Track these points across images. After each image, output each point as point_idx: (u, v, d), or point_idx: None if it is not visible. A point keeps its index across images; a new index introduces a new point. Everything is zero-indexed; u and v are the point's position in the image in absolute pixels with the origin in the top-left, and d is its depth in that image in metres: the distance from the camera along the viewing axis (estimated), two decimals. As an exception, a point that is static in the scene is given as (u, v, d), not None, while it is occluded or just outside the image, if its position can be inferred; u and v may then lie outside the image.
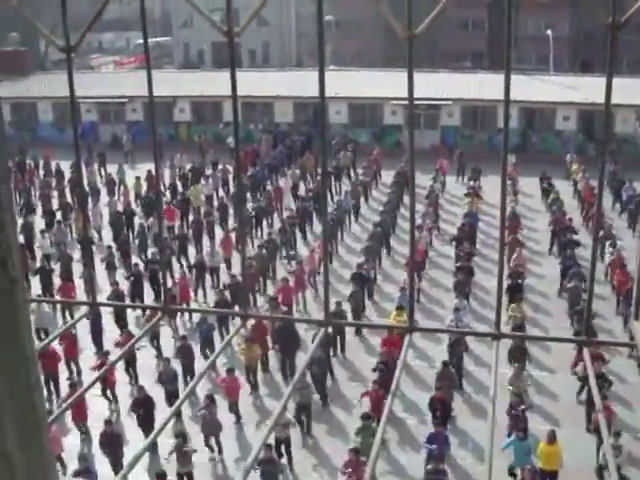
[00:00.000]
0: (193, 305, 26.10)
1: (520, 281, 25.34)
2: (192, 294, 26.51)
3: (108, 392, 21.08)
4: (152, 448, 19.07)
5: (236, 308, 24.73)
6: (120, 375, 21.69)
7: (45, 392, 21.05)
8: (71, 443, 19.38)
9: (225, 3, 3.32)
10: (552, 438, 16.60)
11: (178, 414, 20.07)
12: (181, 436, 17.42)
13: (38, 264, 28.39)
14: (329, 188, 37.20)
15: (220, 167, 39.21)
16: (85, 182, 38.47)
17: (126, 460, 17.68)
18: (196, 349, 22.02)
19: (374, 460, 3.31)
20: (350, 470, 15.95)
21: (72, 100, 3.52)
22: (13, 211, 1.60)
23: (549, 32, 59.73)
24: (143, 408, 18.70)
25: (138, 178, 36.51)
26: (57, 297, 25.67)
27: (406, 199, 36.93)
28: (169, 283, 27.03)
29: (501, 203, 3.37)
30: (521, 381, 19.44)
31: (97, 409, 20.26)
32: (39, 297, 26.22)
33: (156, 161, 3.45)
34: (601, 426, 16.92)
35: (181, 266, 29.12)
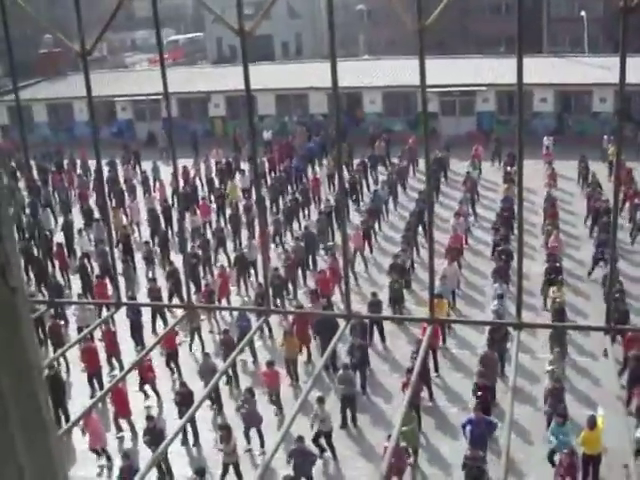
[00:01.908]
0: (235, 299, 26.17)
1: (558, 264, 25.15)
2: (232, 288, 26.50)
3: (147, 387, 21.29)
4: (195, 441, 19.35)
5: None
6: (162, 371, 21.92)
7: (89, 390, 21.32)
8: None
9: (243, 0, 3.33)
10: (592, 424, 16.56)
11: (220, 407, 20.34)
12: (225, 428, 17.51)
13: (77, 263, 28.75)
14: (365, 178, 37.27)
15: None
16: (122, 180, 38.86)
17: (169, 456, 17.89)
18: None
19: (392, 446, 3.32)
20: (393, 459, 15.97)
21: (90, 101, 3.56)
22: (12, 224, 1.63)
23: (583, 13, 59.12)
24: (186, 403, 18.82)
25: (173, 174, 36.45)
26: (95, 295, 26.04)
27: (442, 187, 36.93)
28: (209, 278, 27.33)
29: (518, 191, 3.35)
30: (559, 366, 19.33)
31: (141, 406, 20.50)
32: (80, 296, 26.51)
33: (174, 164, 3.48)
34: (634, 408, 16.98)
35: (216, 261, 29.20)
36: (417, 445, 17.88)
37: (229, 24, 3.13)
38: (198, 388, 19.70)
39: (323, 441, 18.38)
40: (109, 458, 18.70)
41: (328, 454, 18.50)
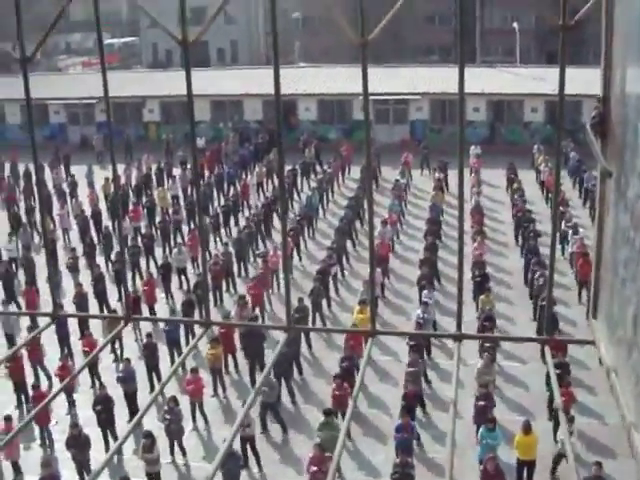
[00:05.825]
0: (160, 306, 25.75)
1: (484, 272, 25.41)
2: (158, 295, 26.15)
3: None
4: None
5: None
6: (83, 378, 21.48)
7: (16, 400, 20.94)
8: (33, 449, 19.38)
9: (185, 7, 3.32)
10: (528, 428, 16.66)
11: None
12: (149, 436, 17.12)
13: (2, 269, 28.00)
14: (295, 185, 37.28)
15: (188, 166, 38.65)
16: (51, 184, 38.04)
17: (93, 463, 17.59)
18: (162, 349, 21.80)
19: (339, 455, 3.34)
20: (315, 467, 15.91)
21: (29, 108, 3.51)
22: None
23: (515, 25, 59.93)
24: (103, 406, 18.58)
25: (107, 179, 35.74)
26: (21, 302, 25.77)
27: (374, 194, 37.01)
28: (137, 284, 26.94)
29: (459, 195, 3.39)
30: (489, 373, 19.50)
31: (60, 412, 20.14)
32: (4, 303, 25.96)
33: (114, 169, 3.46)
34: (559, 415, 17.03)
35: (147, 267, 28.85)
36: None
37: (172, 34, 3.12)
38: (116, 393, 19.56)
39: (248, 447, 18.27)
40: (18, 472, 18.20)
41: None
